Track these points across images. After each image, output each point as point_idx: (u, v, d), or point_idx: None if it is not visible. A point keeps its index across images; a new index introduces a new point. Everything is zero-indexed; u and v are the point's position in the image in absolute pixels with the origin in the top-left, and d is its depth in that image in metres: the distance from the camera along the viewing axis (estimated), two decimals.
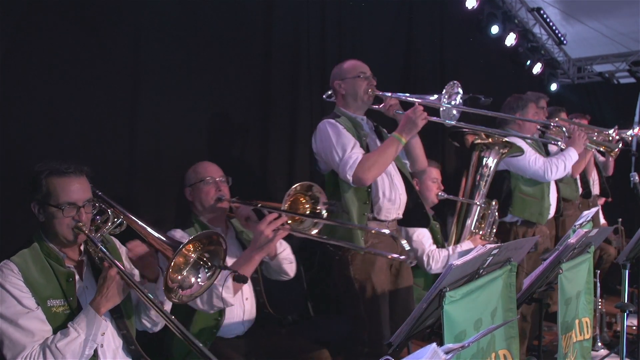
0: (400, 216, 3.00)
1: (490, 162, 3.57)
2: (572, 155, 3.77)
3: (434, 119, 2.79)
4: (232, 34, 3.59)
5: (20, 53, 2.59)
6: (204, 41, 3.44)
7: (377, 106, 2.97)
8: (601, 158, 5.23)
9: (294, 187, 2.49)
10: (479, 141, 3.55)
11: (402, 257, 2.54)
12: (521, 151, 3.62)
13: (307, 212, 2.60)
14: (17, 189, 2.50)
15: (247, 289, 2.70)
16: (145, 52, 3.14)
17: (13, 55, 2.56)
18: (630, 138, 4.44)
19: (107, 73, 2.94)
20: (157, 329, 2.16)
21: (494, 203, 3.57)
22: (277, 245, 2.66)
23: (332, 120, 2.80)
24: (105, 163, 2.88)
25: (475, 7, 5.75)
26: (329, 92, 3.08)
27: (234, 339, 2.67)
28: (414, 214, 3.04)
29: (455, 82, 2.80)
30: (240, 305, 2.66)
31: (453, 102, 2.79)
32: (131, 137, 3.11)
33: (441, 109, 2.75)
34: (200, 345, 1.65)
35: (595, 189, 5.15)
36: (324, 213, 2.59)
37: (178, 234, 2.58)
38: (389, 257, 2.67)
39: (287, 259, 2.75)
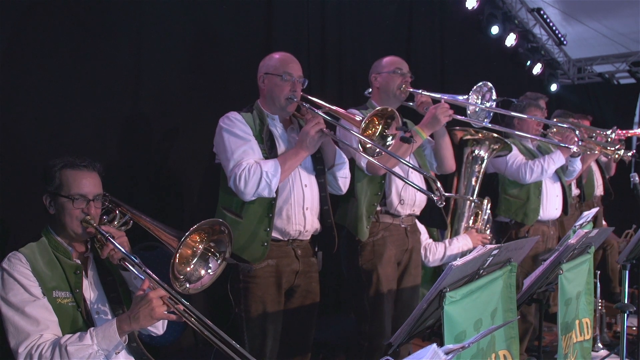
0: (417, 213, 3.05)
1: (482, 157, 3.58)
2: (556, 158, 3.78)
3: (461, 118, 2.87)
4: (232, 33, 3.59)
5: (20, 53, 2.59)
6: (204, 40, 3.44)
7: (410, 103, 3.04)
8: (603, 158, 5.23)
9: (377, 108, 2.41)
10: (468, 137, 3.56)
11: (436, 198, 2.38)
12: (510, 149, 3.64)
13: (377, 132, 2.48)
14: (19, 189, 2.53)
15: (307, 177, 2.61)
16: (146, 52, 3.14)
17: (14, 55, 2.56)
18: (627, 158, 4.46)
19: (108, 72, 2.95)
20: (160, 332, 2.15)
21: (486, 201, 3.60)
22: (337, 157, 2.66)
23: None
24: (106, 162, 2.88)
25: (475, 7, 5.75)
26: (370, 90, 3.13)
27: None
28: (433, 215, 3.12)
29: (485, 82, 2.90)
30: (299, 192, 2.56)
31: (488, 104, 2.89)
32: (133, 136, 3.11)
33: (468, 109, 2.84)
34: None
35: (599, 190, 5.15)
36: (390, 139, 2.47)
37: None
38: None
39: (342, 173, 2.69)
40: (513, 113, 3.62)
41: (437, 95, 2.95)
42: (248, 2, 3.67)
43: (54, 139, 2.71)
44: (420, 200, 3.02)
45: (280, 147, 2.55)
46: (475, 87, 2.89)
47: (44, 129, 2.68)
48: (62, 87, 2.74)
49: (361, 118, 2.38)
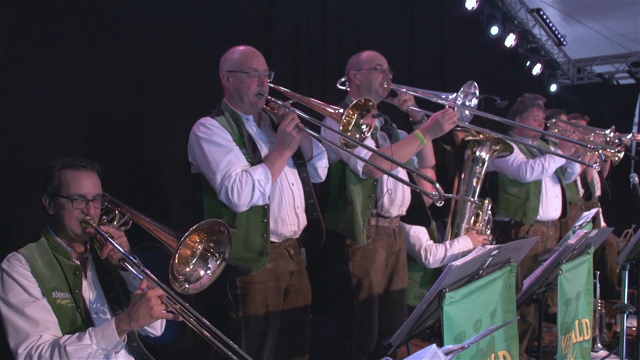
0: (403, 213, 3.02)
1: (483, 159, 3.58)
2: (557, 157, 3.78)
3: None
4: (233, 34, 3.59)
5: (20, 53, 2.59)
6: (204, 41, 3.44)
7: (391, 100, 2.97)
8: None
9: (354, 102, 2.39)
10: (470, 138, 3.56)
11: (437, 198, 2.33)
12: (512, 150, 3.64)
13: (352, 122, 2.46)
14: (19, 190, 2.53)
15: (292, 174, 2.56)
16: (147, 52, 3.15)
17: (14, 55, 2.56)
18: (629, 142, 4.46)
19: (108, 72, 2.95)
20: (158, 333, 2.15)
21: (487, 202, 3.60)
22: (314, 148, 2.60)
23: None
24: (107, 162, 2.88)
25: (475, 7, 5.76)
26: (343, 80, 3.06)
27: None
28: (417, 214, 3.06)
29: (472, 82, 2.84)
30: (288, 192, 2.52)
31: (468, 103, 2.82)
32: (134, 135, 3.11)
33: (455, 109, 2.78)
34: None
35: (598, 191, 5.16)
36: (364, 127, 2.47)
37: None
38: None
39: (322, 163, 2.66)
40: (502, 119, 3.61)
41: (421, 93, 2.90)
42: (248, 2, 3.67)
43: (54, 139, 2.71)
44: (408, 199, 3.00)
45: (262, 149, 2.49)
46: (463, 86, 2.84)
47: (44, 129, 2.68)
48: (62, 87, 2.74)
49: (334, 110, 2.36)
